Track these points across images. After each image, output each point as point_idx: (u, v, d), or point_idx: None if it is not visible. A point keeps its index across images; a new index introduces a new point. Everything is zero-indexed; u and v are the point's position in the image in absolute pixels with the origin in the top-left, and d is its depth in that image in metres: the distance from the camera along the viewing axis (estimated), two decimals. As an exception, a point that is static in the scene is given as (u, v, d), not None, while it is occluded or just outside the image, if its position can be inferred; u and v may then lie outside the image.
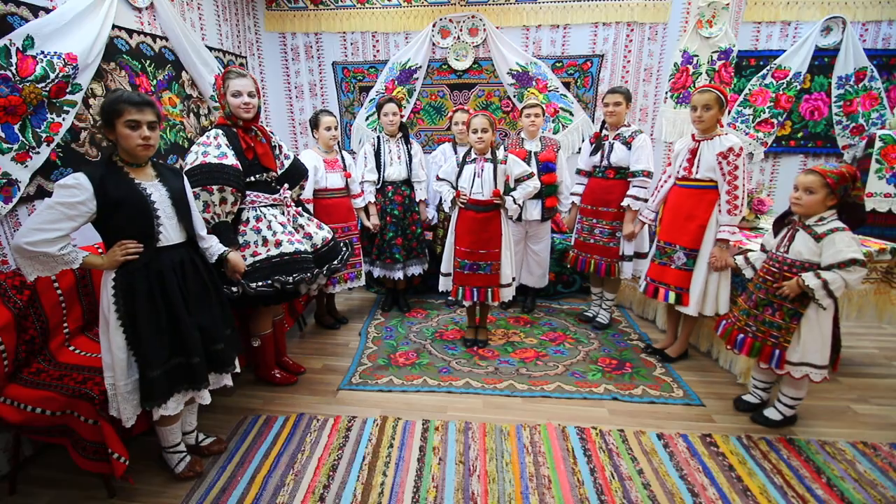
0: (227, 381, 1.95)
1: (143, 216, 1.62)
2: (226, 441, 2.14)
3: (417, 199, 3.39)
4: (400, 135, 3.31)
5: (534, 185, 2.74)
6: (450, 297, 3.01)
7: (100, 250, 1.71)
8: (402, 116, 3.29)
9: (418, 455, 2.04)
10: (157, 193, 1.67)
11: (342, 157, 3.13)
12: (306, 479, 1.91)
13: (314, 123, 3.02)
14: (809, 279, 1.92)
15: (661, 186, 2.78)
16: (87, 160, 2.28)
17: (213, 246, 1.94)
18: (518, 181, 2.75)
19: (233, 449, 2.10)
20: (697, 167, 2.49)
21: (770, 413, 2.23)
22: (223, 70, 3.25)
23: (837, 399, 2.46)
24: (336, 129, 3.02)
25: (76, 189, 1.50)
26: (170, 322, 1.70)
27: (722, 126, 2.49)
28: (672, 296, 2.61)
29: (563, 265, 3.61)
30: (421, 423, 2.24)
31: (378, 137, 3.28)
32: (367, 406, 2.41)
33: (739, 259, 2.35)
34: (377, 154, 3.26)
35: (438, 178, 2.87)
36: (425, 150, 3.98)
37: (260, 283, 2.11)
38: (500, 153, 2.73)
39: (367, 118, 4.17)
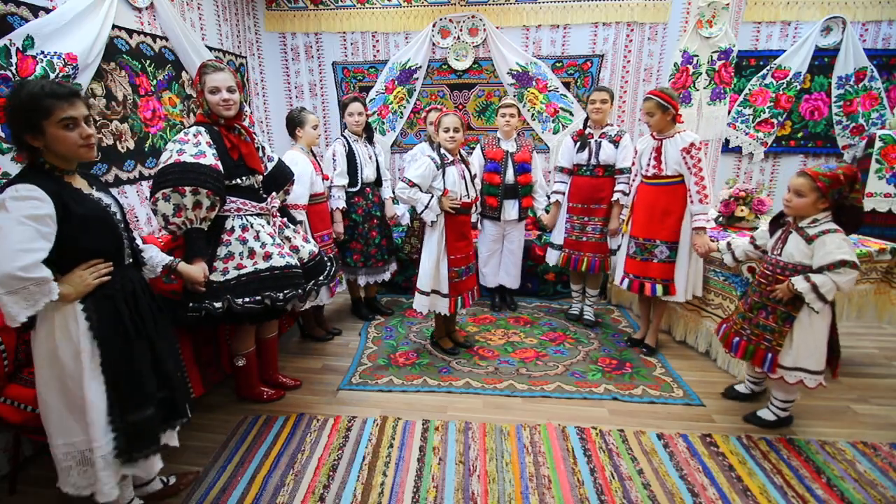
0: (174, 439, 1.63)
1: (110, 231, 1.41)
2: (186, 484, 1.87)
3: (386, 196, 3.32)
4: (364, 136, 3.18)
5: (478, 180, 2.92)
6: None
7: None
8: (367, 116, 3.16)
9: (418, 455, 2.04)
10: (113, 205, 1.46)
11: (316, 158, 2.99)
12: (306, 479, 1.91)
13: (299, 122, 2.80)
14: (798, 282, 1.90)
15: (632, 185, 2.86)
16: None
17: (154, 256, 1.69)
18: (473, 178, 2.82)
19: (233, 449, 2.10)
20: (665, 164, 2.59)
21: (763, 414, 2.23)
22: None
23: (837, 399, 2.46)
24: (319, 125, 2.94)
25: (38, 201, 1.23)
26: (152, 351, 1.51)
27: (680, 121, 2.60)
28: (659, 288, 2.68)
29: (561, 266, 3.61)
30: (421, 423, 2.24)
31: (345, 137, 3.08)
32: (367, 406, 2.41)
33: (721, 244, 2.45)
34: (350, 156, 3.05)
35: (412, 184, 2.53)
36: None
37: (247, 300, 1.95)
38: (467, 155, 2.77)
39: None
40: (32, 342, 1.37)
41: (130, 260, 1.54)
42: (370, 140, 3.24)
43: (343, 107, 3.07)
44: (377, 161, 3.25)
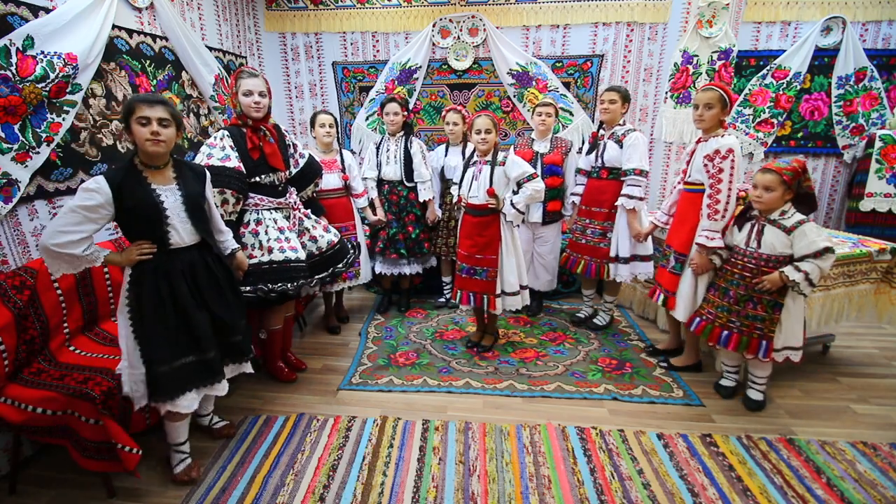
0: (248, 368, 2.03)
1: (153, 221, 1.68)
2: (235, 427, 2.23)
3: (424, 199, 3.31)
4: (401, 134, 3.29)
5: (536, 187, 2.49)
6: (450, 299, 3.00)
7: (124, 246, 1.84)
8: (405, 116, 3.28)
9: (418, 455, 2.04)
10: (171, 199, 1.71)
11: (342, 157, 3.12)
12: (306, 479, 1.91)
13: (311, 124, 3.09)
14: (792, 273, 2.04)
15: (675, 189, 2.71)
16: (87, 160, 2.29)
17: (228, 240, 2.05)
18: (519, 184, 2.55)
19: (233, 449, 2.10)
20: (691, 169, 2.47)
21: (752, 394, 2.38)
22: (224, 70, 3.29)
23: (837, 399, 2.46)
24: (331, 126, 3.00)
25: (96, 193, 1.57)
26: (181, 322, 1.74)
27: (725, 127, 2.37)
28: (661, 297, 2.62)
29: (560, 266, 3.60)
30: (421, 423, 2.24)
31: (383, 135, 3.34)
32: (367, 406, 2.41)
33: (715, 259, 2.35)
34: (378, 152, 3.34)
35: (443, 178, 2.84)
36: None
37: (247, 289, 2.16)
38: (500, 155, 2.59)
39: (366, 118, 4.16)
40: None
41: (192, 242, 1.78)
42: (407, 139, 3.29)
43: (381, 106, 3.29)
44: (404, 160, 3.26)
